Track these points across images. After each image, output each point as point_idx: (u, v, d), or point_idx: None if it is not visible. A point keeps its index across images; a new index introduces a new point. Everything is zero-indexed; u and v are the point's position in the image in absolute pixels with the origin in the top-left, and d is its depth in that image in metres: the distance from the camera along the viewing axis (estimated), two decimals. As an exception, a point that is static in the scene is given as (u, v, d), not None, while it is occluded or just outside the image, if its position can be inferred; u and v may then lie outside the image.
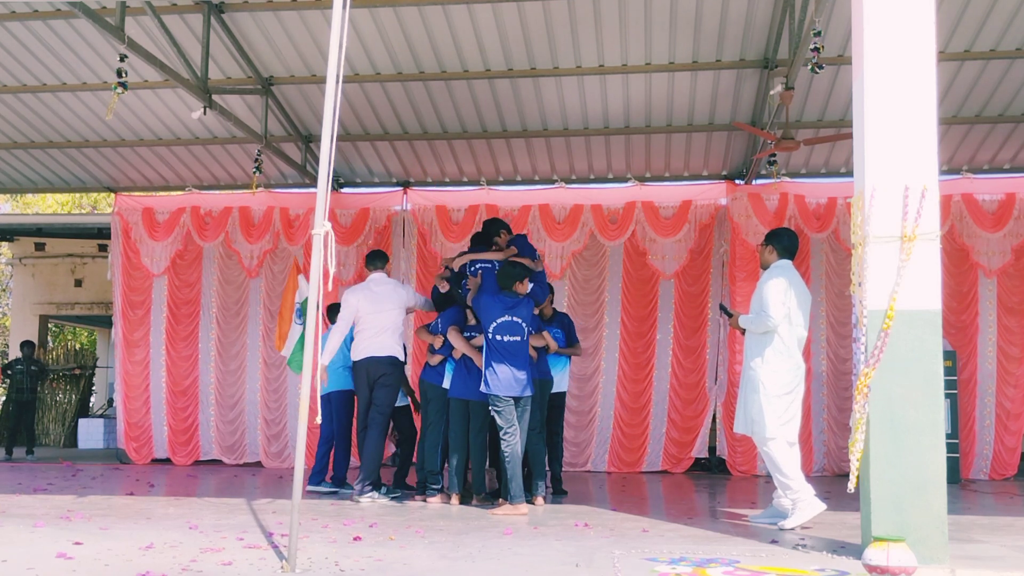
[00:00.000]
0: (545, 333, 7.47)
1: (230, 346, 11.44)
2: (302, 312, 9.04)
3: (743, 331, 6.50)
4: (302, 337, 9.11)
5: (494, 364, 6.85)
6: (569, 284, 11.07)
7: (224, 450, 11.35)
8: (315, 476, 8.14)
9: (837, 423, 10.40)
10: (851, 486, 4.76)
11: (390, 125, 10.42)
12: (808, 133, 9.82)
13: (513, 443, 6.81)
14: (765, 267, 6.43)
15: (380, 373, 7.55)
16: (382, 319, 7.59)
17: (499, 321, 6.90)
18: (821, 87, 9.25)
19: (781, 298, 6.10)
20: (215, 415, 11.38)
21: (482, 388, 6.91)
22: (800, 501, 5.99)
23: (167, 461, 11.31)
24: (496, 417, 6.90)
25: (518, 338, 6.93)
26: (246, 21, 8.60)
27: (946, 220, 10.09)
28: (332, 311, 8.55)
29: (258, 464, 11.15)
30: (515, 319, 6.94)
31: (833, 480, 9.92)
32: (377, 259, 7.93)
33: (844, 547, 5.05)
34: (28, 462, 11.62)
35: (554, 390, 7.94)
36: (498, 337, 6.88)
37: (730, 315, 6.67)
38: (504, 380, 6.81)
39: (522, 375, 6.87)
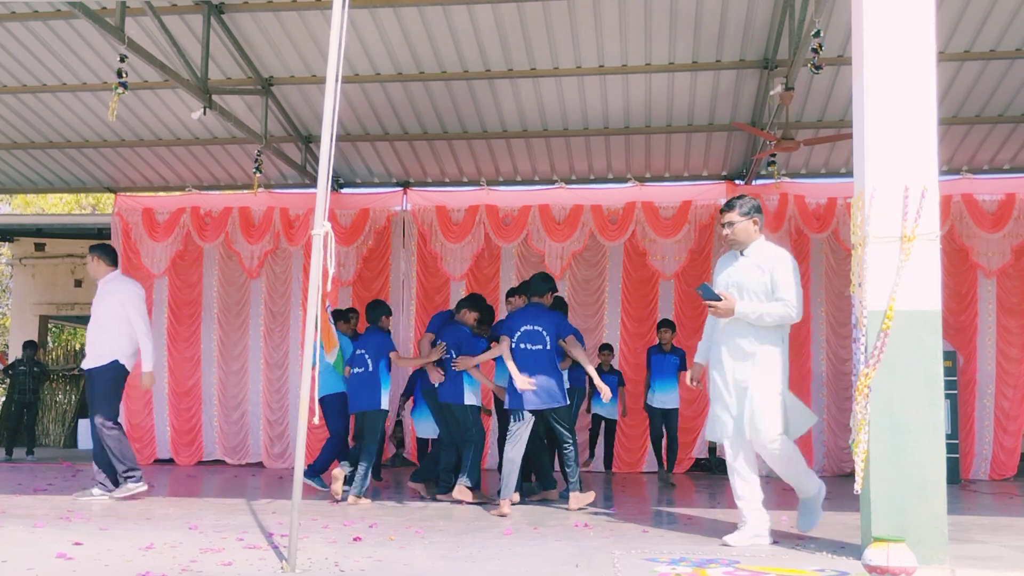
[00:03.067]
0: (570, 337, 7.26)
1: (232, 347, 11.44)
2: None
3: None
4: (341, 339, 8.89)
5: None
6: (569, 284, 11.07)
7: (228, 451, 11.35)
8: (310, 470, 8.22)
9: (837, 423, 10.40)
10: (858, 487, 4.75)
11: (390, 125, 10.42)
12: (808, 133, 9.82)
13: (520, 446, 6.93)
14: (742, 245, 5.35)
15: None
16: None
17: (522, 330, 7.01)
18: (821, 87, 9.25)
19: (798, 285, 5.23)
20: (218, 416, 11.38)
21: (508, 404, 7.07)
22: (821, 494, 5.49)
23: (169, 461, 11.31)
24: (511, 418, 7.05)
25: (540, 347, 6.97)
26: (246, 21, 8.60)
27: (946, 220, 10.09)
28: (337, 316, 8.64)
29: (260, 465, 11.15)
30: (536, 328, 7.00)
31: (833, 480, 9.91)
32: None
33: (844, 547, 5.05)
34: (28, 462, 11.61)
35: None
36: (521, 346, 6.97)
37: (717, 298, 5.29)
38: (525, 393, 6.91)
39: (546, 385, 6.91)
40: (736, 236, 5.32)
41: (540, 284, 7.28)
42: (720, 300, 5.26)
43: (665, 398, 9.50)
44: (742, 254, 5.33)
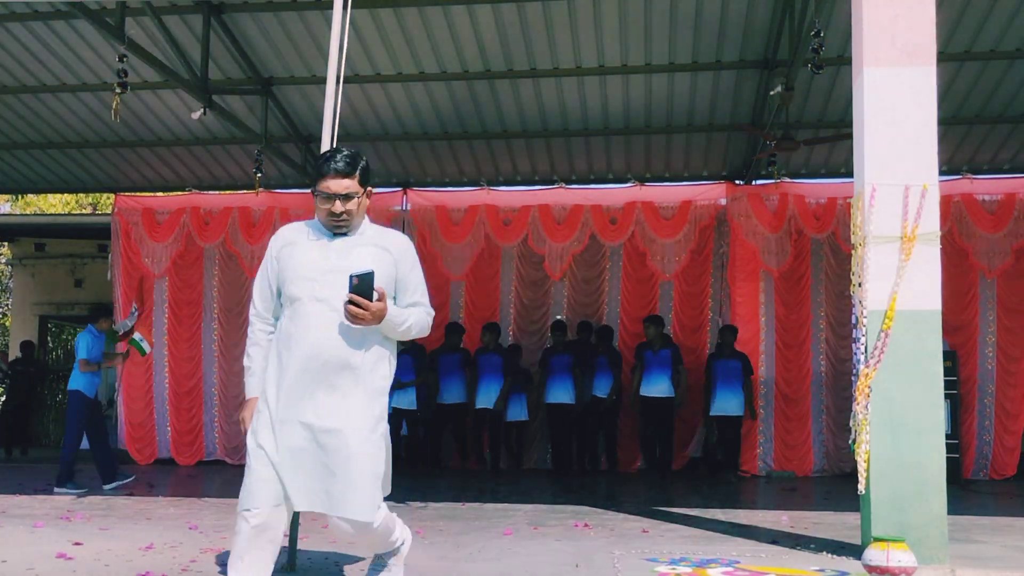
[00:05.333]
0: None
1: (233, 347, 11.41)
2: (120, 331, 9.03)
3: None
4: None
5: None
6: (569, 284, 11.07)
7: (229, 451, 11.33)
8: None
9: (837, 423, 10.39)
10: (861, 488, 4.75)
11: (390, 125, 10.41)
12: (808, 133, 9.82)
13: None
14: (349, 229, 3.45)
15: None
16: None
17: None
18: (821, 87, 9.25)
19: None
20: (219, 416, 11.36)
21: None
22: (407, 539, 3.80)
23: (169, 461, 11.29)
24: None
25: None
26: (246, 21, 8.59)
27: (946, 220, 10.06)
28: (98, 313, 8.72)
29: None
30: None
31: (833, 480, 9.92)
32: None
33: (844, 547, 5.05)
34: (23, 461, 11.61)
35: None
36: None
37: (369, 294, 3.27)
38: None
39: None
40: (357, 215, 3.43)
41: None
42: (374, 299, 3.27)
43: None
44: (346, 233, 3.43)
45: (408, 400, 10.34)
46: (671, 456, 10.30)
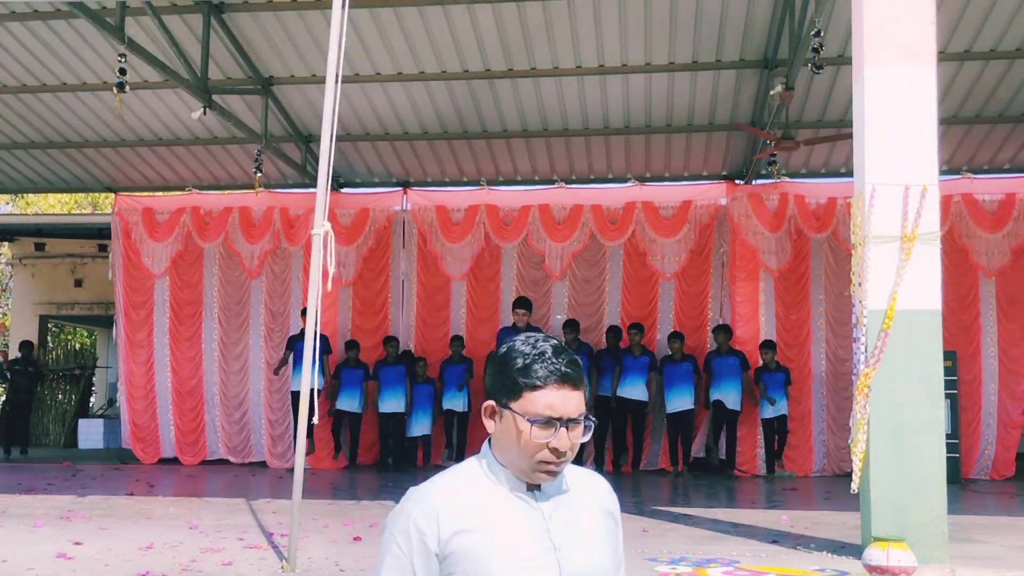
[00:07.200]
0: None
1: (233, 347, 11.43)
2: None
3: None
4: None
5: None
6: (569, 284, 11.07)
7: (231, 450, 11.33)
8: None
9: (837, 423, 10.39)
10: (855, 486, 4.76)
11: (390, 125, 10.41)
12: (808, 133, 9.81)
13: None
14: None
15: None
16: None
17: None
18: (821, 87, 9.25)
19: None
20: (220, 415, 11.36)
21: None
22: None
23: (173, 461, 11.29)
24: None
25: None
26: (246, 21, 8.59)
27: (946, 220, 10.05)
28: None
29: (263, 464, 11.14)
30: None
31: (833, 480, 9.92)
32: None
33: (844, 547, 5.04)
34: (23, 461, 11.61)
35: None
36: None
37: None
38: None
39: None
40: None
41: None
42: None
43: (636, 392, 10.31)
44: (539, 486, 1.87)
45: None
46: (639, 455, 10.52)
